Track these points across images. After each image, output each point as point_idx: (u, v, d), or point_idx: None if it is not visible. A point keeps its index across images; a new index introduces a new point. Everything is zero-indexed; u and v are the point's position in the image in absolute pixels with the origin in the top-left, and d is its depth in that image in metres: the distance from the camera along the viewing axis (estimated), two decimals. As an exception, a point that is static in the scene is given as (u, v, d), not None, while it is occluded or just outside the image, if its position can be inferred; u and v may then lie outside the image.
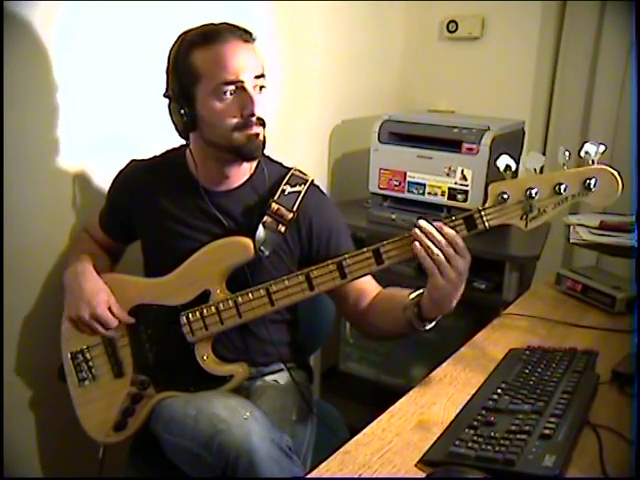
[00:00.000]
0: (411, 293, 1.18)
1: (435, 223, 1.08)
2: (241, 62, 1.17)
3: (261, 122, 1.20)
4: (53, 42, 1.36)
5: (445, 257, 1.07)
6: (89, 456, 1.36)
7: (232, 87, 1.17)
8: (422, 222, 1.09)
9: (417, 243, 1.08)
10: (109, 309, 1.28)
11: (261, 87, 1.20)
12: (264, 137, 1.22)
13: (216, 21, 1.22)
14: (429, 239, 1.07)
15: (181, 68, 1.19)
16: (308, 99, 2.23)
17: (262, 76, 1.20)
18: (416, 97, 2.67)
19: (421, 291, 1.15)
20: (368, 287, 1.32)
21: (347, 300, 1.32)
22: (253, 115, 1.18)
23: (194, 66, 1.17)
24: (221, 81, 1.16)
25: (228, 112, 1.18)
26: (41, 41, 1.34)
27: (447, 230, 1.08)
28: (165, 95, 1.23)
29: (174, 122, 1.24)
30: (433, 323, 1.16)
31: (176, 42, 1.22)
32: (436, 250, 1.07)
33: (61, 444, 1.56)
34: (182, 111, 1.20)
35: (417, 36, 2.64)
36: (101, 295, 1.28)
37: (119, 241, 1.47)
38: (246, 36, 1.20)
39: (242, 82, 1.17)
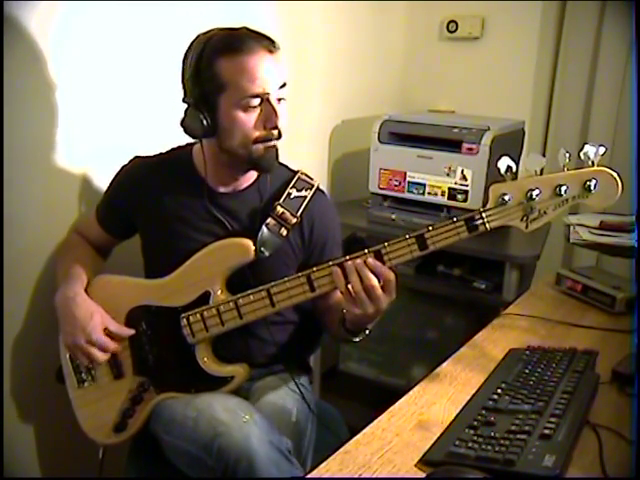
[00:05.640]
0: None
1: (369, 260, 1.10)
2: (267, 74, 1.17)
3: (280, 135, 1.21)
4: (53, 43, 1.36)
5: (366, 292, 1.09)
6: (89, 457, 1.36)
7: (258, 100, 1.17)
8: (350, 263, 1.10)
9: (339, 271, 1.11)
10: (105, 330, 1.26)
11: (280, 99, 1.20)
12: (277, 147, 1.23)
13: (217, 21, 1.22)
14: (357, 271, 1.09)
15: (204, 75, 1.17)
16: (308, 99, 2.23)
17: (284, 85, 1.20)
18: (416, 97, 2.67)
19: None
20: None
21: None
22: (276, 128, 1.19)
23: (219, 75, 1.16)
24: (248, 94, 1.16)
25: (252, 124, 1.18)
26: (41, 42, 1.34)
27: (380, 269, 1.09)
28: (184, 100, 1.21)
29: (187, 126, 1.21)
30: (358, 337, 1.23)
31: (195, 46, 1.19)
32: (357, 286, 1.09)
33: (60, 445, 1.55)
34: (202, 118, 1.18)
35: (417, 36, 2.64)
36: (94, 318, 1.25)
37: (116, 236, 1.45)
38: (271, 46, 1.19)
39: (268, 95, 1.17)
